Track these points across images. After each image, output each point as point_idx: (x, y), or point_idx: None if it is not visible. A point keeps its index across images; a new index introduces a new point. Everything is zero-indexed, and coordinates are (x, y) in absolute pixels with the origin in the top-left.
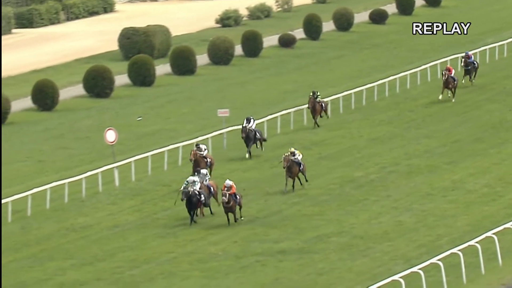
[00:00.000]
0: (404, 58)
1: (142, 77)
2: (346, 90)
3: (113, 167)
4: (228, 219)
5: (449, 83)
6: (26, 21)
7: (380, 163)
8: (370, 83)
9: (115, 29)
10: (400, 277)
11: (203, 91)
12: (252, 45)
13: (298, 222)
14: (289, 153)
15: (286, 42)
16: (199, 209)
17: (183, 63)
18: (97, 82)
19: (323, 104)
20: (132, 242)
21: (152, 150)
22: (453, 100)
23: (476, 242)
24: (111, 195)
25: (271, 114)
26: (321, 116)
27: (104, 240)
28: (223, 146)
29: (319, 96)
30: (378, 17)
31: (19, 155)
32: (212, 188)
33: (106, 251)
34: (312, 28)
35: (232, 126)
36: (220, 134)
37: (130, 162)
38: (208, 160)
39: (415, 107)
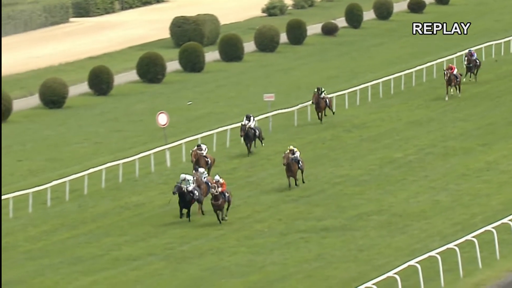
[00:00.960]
0: (440, 46)
1: (192, 63)
2: (386, 76)
3: (165, 149)
4: (218, 218)
5: (451, 81)
6: (83, 11)
7: (418, 145)
8: (408, 69)
9: (167, 18)
10: (437, 253)
11: (250, 77)
12: (297, 33)
13: (340, 201)
14: (288, 151)
15: (329, 30)
16: (196, 208)
17: (231, 50)
18: (149, 68)
19: (327, 100)
20: (182, 219)
21: (202, 133)
22: (459, 96)
23: (509, 220)
24: (162, 175)
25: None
26: (325, 115)
27: (156, 218)
28: (269, 128)
29: (324, 93)
30: (416, 7)
31: (76, 137)
32: (210, 183)
33: (158, 228)
34: (354, 17)
35: (277, 110)
36: (266, 117)
37: (181, 144)
38: (208, 159)
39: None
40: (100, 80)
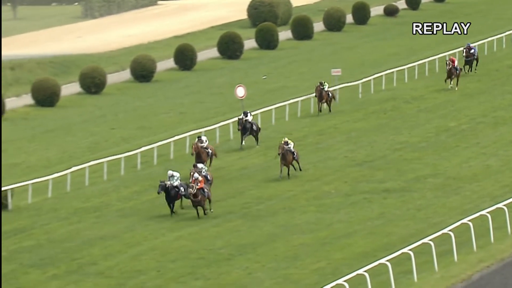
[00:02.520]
0: (491, 25)
1: (267, 41)
2: (442, 53)
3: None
4: (198, 213)
5: (452, 73)
6: None
7: (470, 115)
8: (462, 46)
9: (244, 1)
10: (487, 212)
11: (318, 54)
12: (361, 14)
13: (400, 165)
14: (283, 142)
15: (390, 11)
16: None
17: (302, 30)
18: (229, 46)
19: (329, 93)
20: (258, 182)
21: (275, 104)
22: (456, 89)
23: None
24: (239, 142)
25: (377, 73)
26: (328, 105)
27: (234, 180)
28: (336, 100)
29: (326, 86)
30: None
31: (163, 107)
32: (209, 176)
33: (236, 189)
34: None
35: (343, 83)
36: (334, 90)
37: (257, 114)
38: (210, 150)
39: (501, 67)
40: (184, 57)
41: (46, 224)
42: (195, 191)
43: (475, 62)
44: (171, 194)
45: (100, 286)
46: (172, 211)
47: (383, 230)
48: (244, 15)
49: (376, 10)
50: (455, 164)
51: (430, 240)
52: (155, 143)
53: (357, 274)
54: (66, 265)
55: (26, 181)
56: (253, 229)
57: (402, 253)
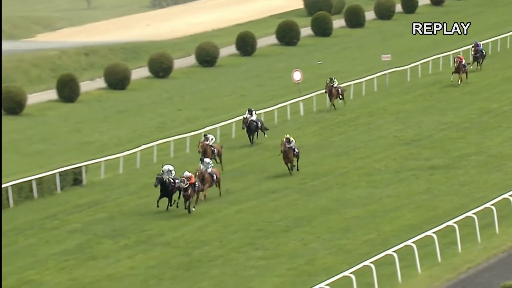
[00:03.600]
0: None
1: (322, 29)
2: (486, 39)
3: (299, 100)
4: (185, 206)
5: (460, 69)
6: None
7: (511, 97)
8: (505, 33)
9: None
10: None
11: (370, 41)
12: (410, 3)
13: (445, 144)
14: (285, 139)
15: (437, 1)
16: (201, 194)
17: (355, 18)
18: (286, 33)
19: (339, 89)
20: (314, 159)
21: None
22: (461, 84)
23: None
24: (297, 122)
25: (424, 59)
26: (341, 99)
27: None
28: (386, 83)
29: (336, 82)
30: None
31: (225, 90)
32: (215, 175)
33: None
34: None
35: (393, 68)
36: (384, 74)
37: (312, 96)
38: (215, 149)
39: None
40: (245, 43)
41: (117, 198)
42: (186, 185)
43: (481, 59)
44: (168, 188)
45: (167, 255)
46: (170, 204)
47: (429, 204)
48: (300, 5)
49: (423, 0)
50: (497, 143)
51: (473, 213)
52: (217, 123)
53: (405, 245)
54: (136, 236)
55: (99, 158)
56: (308, 203)
57: (447, 225)
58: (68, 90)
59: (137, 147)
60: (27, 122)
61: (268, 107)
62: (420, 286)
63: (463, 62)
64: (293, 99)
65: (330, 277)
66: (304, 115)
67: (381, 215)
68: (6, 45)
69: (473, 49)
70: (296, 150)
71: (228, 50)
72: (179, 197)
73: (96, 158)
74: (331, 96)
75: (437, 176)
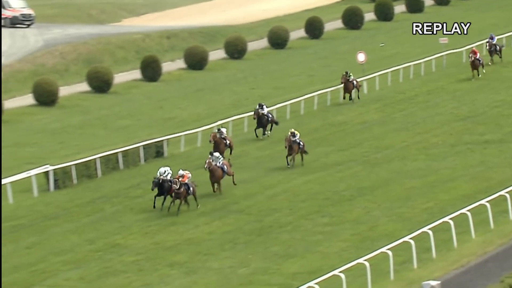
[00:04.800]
0: None
1: (384, 14)
2: None
3: (363, 80)
4: (178, 206)
5: (476, 65)
6: None
7: None
8: None
9: None
10: None
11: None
12: None
13: (498, 120)
14: (289, 133)
15: None
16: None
17: (415, 4)
18: (351, 18)
19: (354, 82)
20: (376, 134)
21: (391, 68)
22: (484, 71)
23: None
24: (360, 100)
25: (479, 41)
26: (357, 91)
27: (356, 133)
28: (443, 64)
29: (351, 76)
30: None
31: (295, 71)
32: (225, 167)
33: (357, 140)
34: None
35: (450, 50)
36: (441, 56)
37: (375, 76)
38: (228, 141)
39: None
40: (313, 27)
41: (195, 169)
42: (178, 185)
43: (496, 52)
44: (164, 187)
45: (240, 221)
46: (162, 203)
47: (483, 175)
48: None
49: None
50: None
51: None
52: (288, 101)
53: (461, 213)
54: (212, 204)
55: (179, 132)
56: (371, 174)
57: (499, 195)
58: (151, 70)
59: (214, 123)
60: (114, 99)
61: (334, 86)
62: (474, 251)
63: (478, 56)
64: (357, 78)
65: (391, 242)
66: (367, 93)
67: (438, 186)
68: (95, 29)
69: (487, 44)
70: (301, 144)
71: (297, 34)
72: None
73: (176, 133)
74: (346, 89)
75: (490, 150)
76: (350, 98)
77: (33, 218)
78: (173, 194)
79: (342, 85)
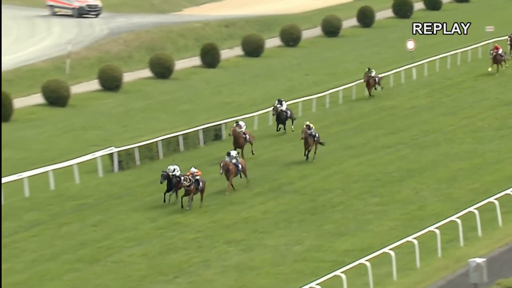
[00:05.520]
0: None
1: (433, 3)
2: None
3: (412, 66)
4: (184, 202)
5: (498, 60)
6: None
7: None
8: None
9: None
10: None
11: (476, 14)
12: None
13: None
14: (305, 126)
15: None
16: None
17: None
18: (402, 8)
19: (376, 79)
20: (424, 118)
21: (439, 54)
22: (507, 65)
23: None
24: (409, 86)
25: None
26: (375, 89)
27: (405, 117)
28: (489, 52)
29: (373, 72)
30: None
31: (347, 58)
32: (240, 165)
33: (406, 124)
34: None
35: (495, 38)
36: (487, 43)
37: (424, 63)
38: (247, 136)
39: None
40: (365, 16)
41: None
42: (189, 182)
43: None
44: (172, 182)
45: (295, 201)
46: (169, 199)
47: None
48: None
49: None
50: None
51: None
52: (340, 86)
53: (505, 194)
54: (268, 184)
55: (236, 116)
56: (419, 157)
57: None
58: (210, 57)
59: (269, 107)
60: (175, 85)
61: (385, 72)
62: None
63: (500, 51)
64: (406, 65)
65: (438, 221)
66: (416, 79)
67: (484, 167)
68: (157, 18)
69: (509, 39)
70: (317, 136)
71: (349, 23)
72: (177, 193)
73: (234, 117)
74: (368, 85)
75: None
76: (370, 94)
77: (98, 197)
78: (184, 191)
79: (365, 82)
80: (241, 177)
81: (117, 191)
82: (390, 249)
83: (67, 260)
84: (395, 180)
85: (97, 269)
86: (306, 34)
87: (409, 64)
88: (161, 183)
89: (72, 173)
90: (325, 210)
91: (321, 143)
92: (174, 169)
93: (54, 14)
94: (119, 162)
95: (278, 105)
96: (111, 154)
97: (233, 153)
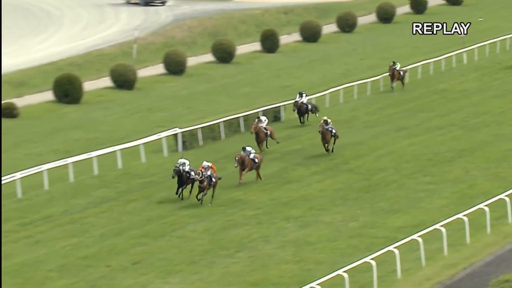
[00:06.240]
0: None
1: None
2: None
3: (462, 51)
4: (199, 198)
5: None
6: None
7: None
8: None
9: None
10: None
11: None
12: None
13: None
14: (322, 121)
15: None
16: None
17: None
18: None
19: (401, 72)
20: (475, 101)
21: (488, 40)
22: None
23: None
24: (460, 69)
25: None
26: (401, 82)
27: (456, 99)
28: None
29: (398, 65)
30: None
31: (400, 43)
32: (256, 159)
33: (457, 106)
34: None
35: None
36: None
37: (474, 48)
38: (268, 131)
39: None
40: (418, 4)
41: (309, 132)
42: (201, 177)
43: None
44: (183, 179)
45: (350, 180)
46: (177, 192)
47: None
48: None
49: None
50: None
51: None
52: (379, 74)
53: None
54: (324, 163)
55: (294, 99)
56: (470, 137)
57: None
58: (269, 42)
59: (326, 90)
60: (236, 69)
61: (437, 57)
62: None
63: None
64: (457, 50)
65: (488, 199)
66: (467, 63)
67: None
68: (219, 5)
69: None
70: (334, 131)
71: (403, 9)
72: (191, 189)
73: (292, 99)
74: (393, 77)
75: None
76: (392, 87)
77: (163, 175)
78: (198, 188)
79: (390, 75)
80: (258, 175)
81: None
82: (441, 226)
83: (133, 235)
84: (446, 160)
85: (161, 243)
86: (361, 20)
87: (460, 49)
88: (173, 177)
89: (138, 153)
90: (378, 189)
91: (337, 137)
92: (184, 164)
93: (128, 3)
94: (183, 142)
95: (299, 98)
96: (175, 135)
97: (249, 148)
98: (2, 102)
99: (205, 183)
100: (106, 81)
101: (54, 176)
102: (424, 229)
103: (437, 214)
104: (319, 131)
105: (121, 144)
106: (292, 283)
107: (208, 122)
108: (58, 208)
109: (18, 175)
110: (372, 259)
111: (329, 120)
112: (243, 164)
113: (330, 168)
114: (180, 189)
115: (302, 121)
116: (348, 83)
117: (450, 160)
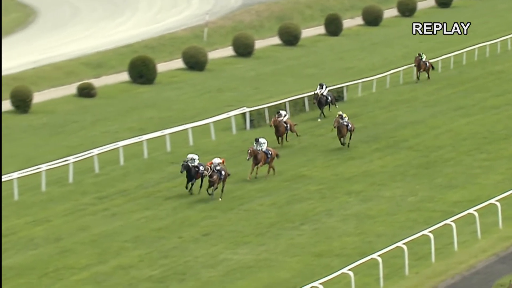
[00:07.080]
0: None
1: None
2: None
3: (507, 38)
4: (208, 192)
5: None
6: None
7: None
8: None
9: None
10: None
11: None
12: None
13: None
14: (338, 115)
15: None
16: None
17: None
18: None
19: (427, 63)
20: None
21: None
22: None
23: None
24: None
25: None
26: (427, 73)
27: (510, 81)
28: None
29: (424, 57)
30: None
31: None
32: (270, 152)
33: (510, 87)
34: None
35: None
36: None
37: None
38: (288, 125)
39: None
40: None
41: (370, 111)
42: (210, 172)
43: None
44: (192, 173)
45: (409, 157)
46: (190, 188)
47: None
48: None
49: None
50: None
51: None
52: (451, 53)
53: None
54: (385, 141)
55: (357, 80)
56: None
57: None
58: (333, 26)
59: (386, 72)
60: (301, 51)
61: (493, 40)
62: None
63: None
64: (505, 35)
65: None
66: (501, 53)
67: None
68: None
69: None
70: (350, 125)
71: (390, 13)
72: (201, 184)
73: (354, 80)
74: (419, 68)
75: None
76: (418, 78)
77: (232, 152)
78: (208, 182)
79: (415, 66)
80: (271, 168)
81: (248, 146)
82: (496, 201)
83: (204, 208)
84: (502, 138)
85: (230, 216)
86: (421, 5)
87: (507, 35)
88: (181, 172)
89: (208, 131)
90: (436, 165)
91: (352, 131)
92: (192, 159)
93: None
94: (251, 120)
95: (319, 90)
96: (243, 114)
97: (262, 140)
98: (81, 82)
99: (215, 177)
100: (178, 63)
101: (129, 152)
102: (480, 204)
103: (493, 189)
104: (334, 126)
105: (192, 122)
106: (354, 254)
107: (274, 101)
108: (133, 182)
109: (95, 151)
110: (430, 232)
111: (344, 115)
112: (256, 158)
113: (391, 145)
114: (190, 184)
115: (322, 113)
116: (407, 65)
117: (505, 138)
